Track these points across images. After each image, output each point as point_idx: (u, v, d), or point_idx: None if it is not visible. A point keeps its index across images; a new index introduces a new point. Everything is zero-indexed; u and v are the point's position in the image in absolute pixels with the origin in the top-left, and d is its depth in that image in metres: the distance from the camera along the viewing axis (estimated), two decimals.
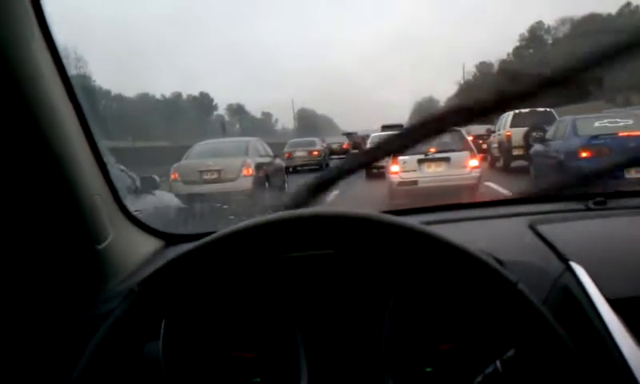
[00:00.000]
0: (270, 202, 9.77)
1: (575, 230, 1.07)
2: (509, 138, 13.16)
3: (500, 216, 1.22)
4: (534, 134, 12.11)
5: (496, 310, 0.65)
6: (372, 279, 0.94)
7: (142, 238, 1.16)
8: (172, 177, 9.72)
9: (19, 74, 0.76)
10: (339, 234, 0.64)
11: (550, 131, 9.92)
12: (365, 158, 1.07)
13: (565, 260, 0.88)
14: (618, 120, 8.56)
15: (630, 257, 0.89)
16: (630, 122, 8.38)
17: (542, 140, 9.89)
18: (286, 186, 12.23)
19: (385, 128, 19.73)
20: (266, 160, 10.93)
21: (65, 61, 0.87)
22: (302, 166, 19.50)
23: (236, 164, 9.69)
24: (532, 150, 10.32)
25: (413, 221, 0.67)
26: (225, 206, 8.26)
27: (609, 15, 45.15)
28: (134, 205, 1.15)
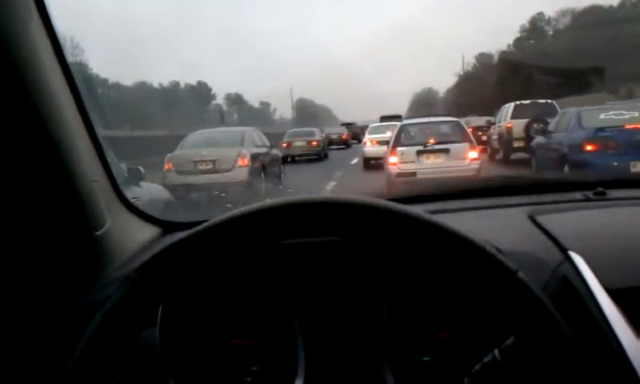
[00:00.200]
0: (265, 193, 9.65)
1: (574, 220, 1.06)
2: (509, 129, 13.02)
3: (499, 206, 1.22)
4: (535, 125, 11.99)
5: (495, 299, 0.65)
6: (371, 267, 0.93)
7: (140, 226, 1.16)
8: (166, 167, 9.55)
9: (17, 60, 0.75)
10: (340, 221, 0.64)
11: (553, 123, 9.74)
12: None
13: (564, 250, 0.88)
14: (624, 112, 8.34)
15: (630, 247, 0.89)
16: (636, 114, 8.18)
17: (545, 132, 9.71)
18: (283, 176, 12.13)
19: (383, 119, 19.75)
20: (263, 150, 10.79)
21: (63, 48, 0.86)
22: (300, 155, 19.53)
23: (231, 154, 9.54)
24: (534, 143, 10.15)
25: (415, 208, 0.66)
26: (222, 194, 8.26)
27: (610, 7, 45.01)
28: None
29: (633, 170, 6.54)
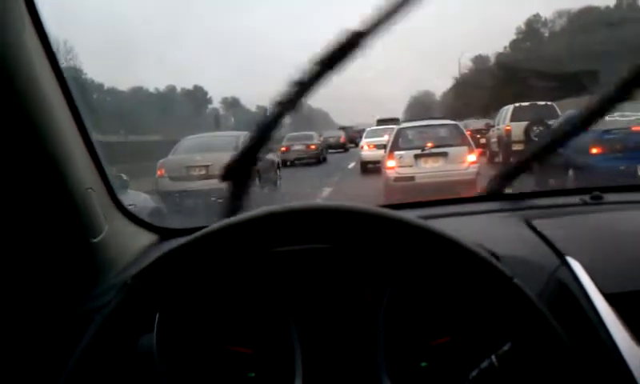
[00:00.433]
0: (261, 199, 9.47)
1: (571, 224, 1.06)
2: (508, 132, 12.81)
3: (496, 211, 1.22)
4: (535, 128, 11.83)
5: (492, 305, 0.65)
6: (367, 274, 0.93)
7: (137, 232, 1.16)
8: (158, 173, 9.34)
9: (11, 69, 0.75)
10: (336, 228, 0.64)
11: (556, 125, 9.51)
12: None
13: (561, 255, 0.88)
14: (629, 113, 8.10)
15: (626, 251, 0.88)
16: None
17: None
18: (279, 182, 11.94)
19: (380, 122, 19.82)
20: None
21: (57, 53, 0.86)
22: (299, 159, 19.66)
23: (225, 159, 9.24)
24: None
25: (410, 215, 0.66)
26: (220, 200, 7.96)
27: (606, 8, 45.14)
28: None
29: None
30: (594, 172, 6.93)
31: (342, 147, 27.56)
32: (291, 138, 20.88)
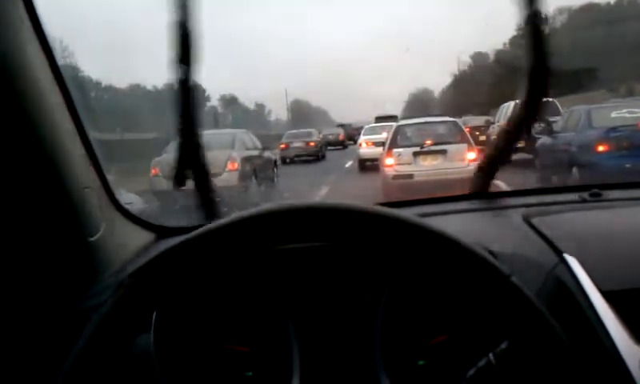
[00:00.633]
0: (258, 198, 9.34)
1: (570, 222, 1.06)
2: None
3: (494, 208, 1.21)
4: (537, 125, 11.66)
5: (489, 303, 0.65)
6: (365, 272, 0.93)
7: (134, 231, 1.16)
8: (152, 172, 9.09)
9: (9, 67, 0.75)
10: (333, 226, 0.64)
11: (560, 122, 9.21)
12: None
13: (559, 252, 0.88)
14: (636, 110, 7.87)
15: (625, 249, 0.88)
16: None
17: (550, 132, 9.27)
18: (277, 180, 11.81)
19: (379, 119, 19.93)
20: (254, 153, 10.43)
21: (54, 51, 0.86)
22: (299, 156, 19.82)
23: (221, 158, 9.12)
24: (538, 143, 9.69)
25: (407, 213, 0.67)
26: (217, 199, 7.86)
27: (607, 4, 44.99)
28: None
29: None
30: (599, 170, 6.76)
31: (341, 144, 27.72)
32: (291, 136, 21.18)
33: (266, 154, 11.48)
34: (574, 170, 7.30)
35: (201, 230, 0.64)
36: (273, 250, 0.70)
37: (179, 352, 0.91)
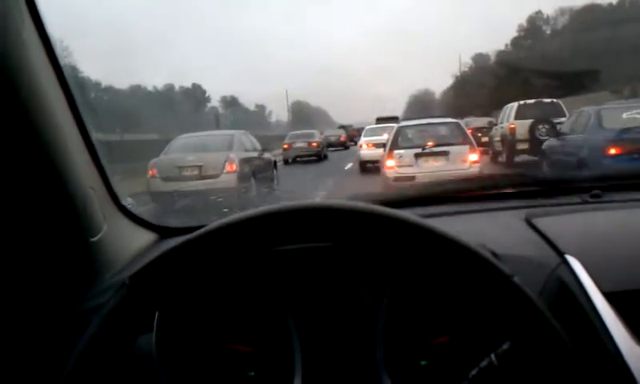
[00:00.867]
0: (257, 200, 9.22)
1: (571, 223, 1.06)
2: (512, 131, 12.36)
3: (496, 209, 1.21)
4: (541, 126, 11.51)
5: (491, 303, 0.65)
6: (367, 272, 0.93)
7: (136, 231, 1.16)
8: (150, 173, 9.00)
9: (11, 67, 0.75)
10: (335, 227, 0.64)
11: (567, 124, 9.00)
12: None
13: (560, 253, 0.88)
14: None
15: (626, 250, 0.88)
16: None
17: (557, 134, 9.05)
18: (276, 181, 11.68)
19: (379, 120, 19.87)
20: (253, 154, 10.27)
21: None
22: (301, 156, 20.15)
23: (219, 159, 8.99)
24: (545, 145, 9.49)
25: (409, 213, 0.66)
26: (220, 199, 7.95)
27: (609, 5, 44.84)
28: None
29: None
30: (611, 172, 6.54)
31: (343, 145, 28.01)
32: (293, 136, 21.43)
33: (266, 155, 11.35)
34: (585, 172, 7.11)
35: (203, 230, 0.64)
36: (274, 250, 0.69)
37: (181, 352, 0.91)
